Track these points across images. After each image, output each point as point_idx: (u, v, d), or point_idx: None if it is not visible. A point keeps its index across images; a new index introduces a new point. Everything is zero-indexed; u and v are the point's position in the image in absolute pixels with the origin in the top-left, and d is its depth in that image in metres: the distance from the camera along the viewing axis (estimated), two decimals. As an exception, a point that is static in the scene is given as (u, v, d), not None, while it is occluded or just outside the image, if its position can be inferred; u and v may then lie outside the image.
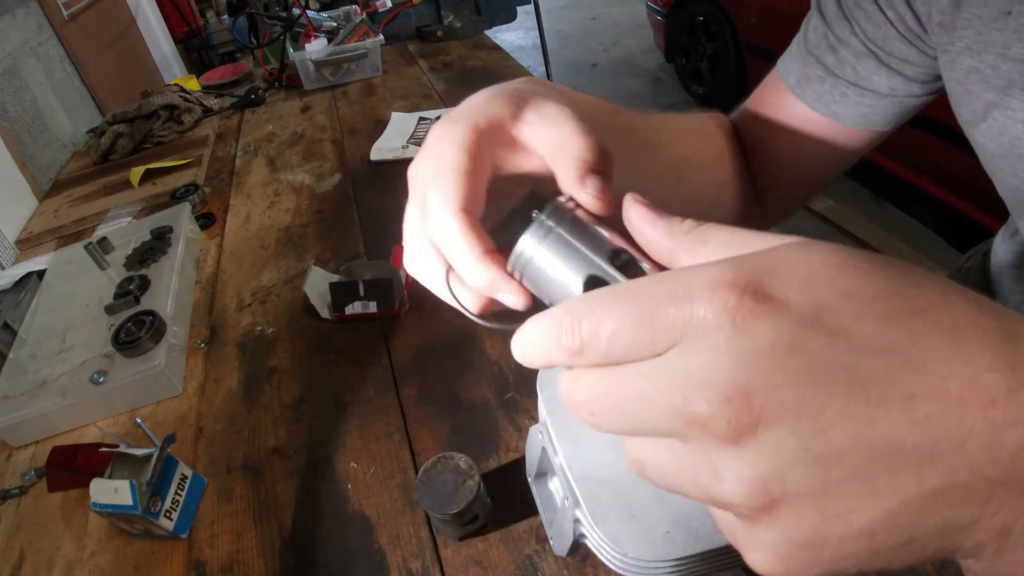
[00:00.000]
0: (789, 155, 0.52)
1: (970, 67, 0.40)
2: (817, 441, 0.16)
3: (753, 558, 0.18)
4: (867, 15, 0.45)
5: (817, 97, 0.49)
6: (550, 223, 0.25)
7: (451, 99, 1.41)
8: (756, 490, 0.17)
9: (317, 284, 0.83)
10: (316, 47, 1.54)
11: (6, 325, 0.88)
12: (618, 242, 0.24)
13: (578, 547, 0.45)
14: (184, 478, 0.61)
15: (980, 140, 0.43)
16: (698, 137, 0.50)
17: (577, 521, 0.41)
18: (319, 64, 1.54)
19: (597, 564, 0.50)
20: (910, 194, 2.16)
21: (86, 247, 0.90)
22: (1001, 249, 0.63)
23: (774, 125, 0.52)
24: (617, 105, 0.39)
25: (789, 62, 0.51)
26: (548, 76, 2.98)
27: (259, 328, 0.83)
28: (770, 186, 0.55)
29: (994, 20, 0.37)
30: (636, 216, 0.23)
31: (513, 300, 0.25)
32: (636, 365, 0.19)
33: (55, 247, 1.11)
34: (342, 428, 0.67)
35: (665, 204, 0.39)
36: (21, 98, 1.34)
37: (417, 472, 0.53)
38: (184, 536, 0.60)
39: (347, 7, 1.74)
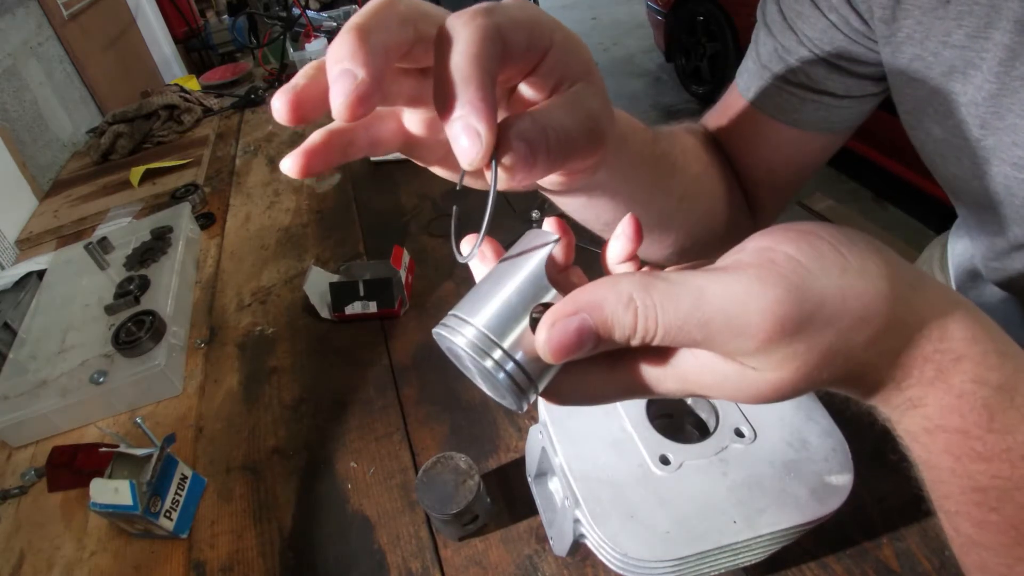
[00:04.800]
0: (759, 167, 0.53)
1: (912, 55, 0.41)
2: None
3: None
4: (810, 23, 0.45)
5: (778, 108, 0.49)
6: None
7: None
8: None
9: (317, 284, 0.83)
10: (316, 47, 1.54)
11: (6, 325, 0.88)
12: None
13: (578, 547, 0.45)
14: (184, 478, 0.61)
15: (925, 126, 0.44)
16: (695, 154, 0.51)
17: (577, 521, 0.41)
18: (319, 64, 1.54)
19: (597, 564, 0.50)
20: (911, 194, 2.16)
21: (86, 247, 0.90)
22: (957, 243, 0.65)
23: (741, 141, 0.53)
24: (649, 128, 0.39)
25: (746, 77, 0.52)
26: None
27: (259, 328, 0.83)
28: (746, 196, 0.56)
29: (934, 9, 0.38)
30: None
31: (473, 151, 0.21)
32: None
33: (55, 247, 1.11)
34: (342, 428, 0.67)
35: (685, 227, 0.41)
36: (21, 98, 1.34)
37: (417, 472, 0.53)
38: (184, 536, 0.60)
39: (347, 7, 1.75)
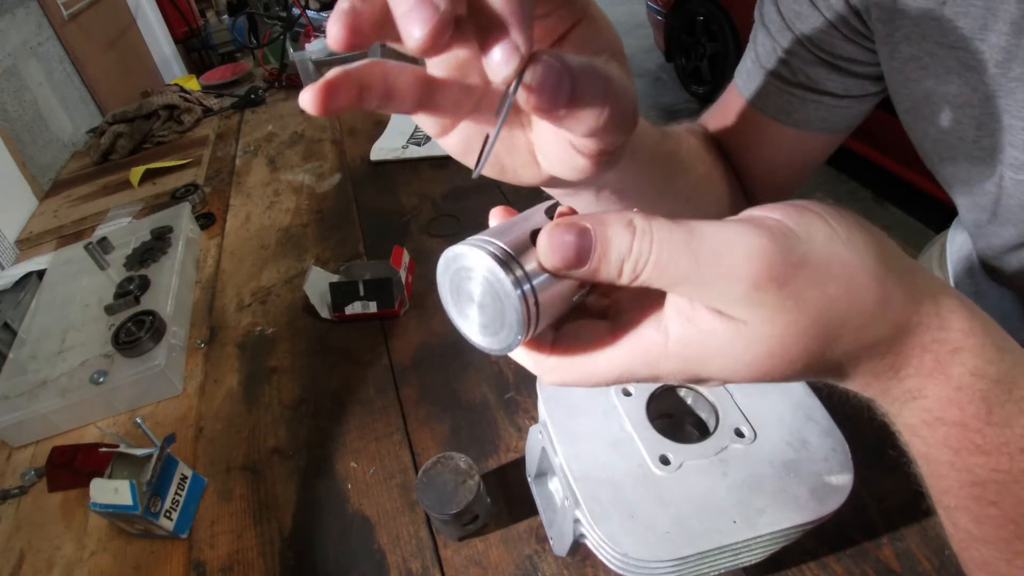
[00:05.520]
0: (760, 167, 0.53)
1: (909, 55, 0.41)
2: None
3: None
4: (809, 23, 0.45)
5: (778, 109, 0.49)
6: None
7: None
8: None
9: (317, 284, 0.83)
10: (316, 47, 1.54)
11: (6, 325, 0.88)
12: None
13: (578, 547, 0.45)
14: (184, 478, 0.61)
15: (922, 126, 0.44)
16: (699, 155, 0.51)
17: (577, 521, 0.41)
18: (319, 64, 1.54)
19: (597, 564, 0.50)
20: (911, 194, 2.16)
21: (86, 247, 0.90)
22: (956, 240, 0.64)
23: (741, 141, 0.53)
24: (657, 128, 0.39)
25: (745, 77, 0.51)
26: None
27: (259, 328, 0.83)
28: (746, 195, 0.56)
29: (931, 9, 0.38)
30: None
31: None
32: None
33: (55, 247, 1.11)
34: (342, 428, 0.67)
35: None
36: (21, 98, 1.34)
37: (417, 472, 0.53)
38: (184, 536, 0.60)
39: (347, 7, 1.74)
